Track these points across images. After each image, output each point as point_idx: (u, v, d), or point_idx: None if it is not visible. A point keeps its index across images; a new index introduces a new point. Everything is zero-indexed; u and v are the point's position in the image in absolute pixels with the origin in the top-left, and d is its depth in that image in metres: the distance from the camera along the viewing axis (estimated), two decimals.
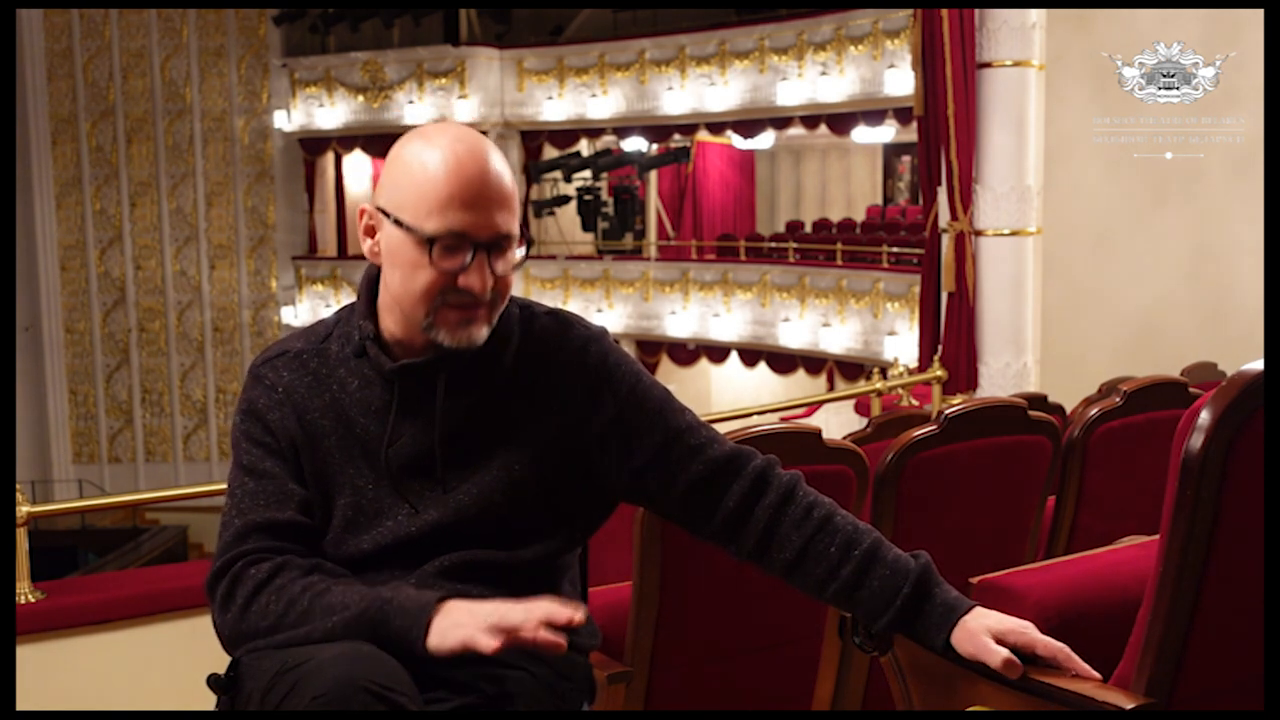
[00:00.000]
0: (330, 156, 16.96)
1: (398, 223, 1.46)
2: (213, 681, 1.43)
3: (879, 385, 6.01)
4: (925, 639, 1.52)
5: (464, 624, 1.34)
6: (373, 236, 1.52)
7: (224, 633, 1.47)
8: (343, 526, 1.52)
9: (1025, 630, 1.49)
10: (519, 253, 1.50)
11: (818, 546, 1.54)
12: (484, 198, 1.44)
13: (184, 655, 3.33)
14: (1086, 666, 1.48)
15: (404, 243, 1.46)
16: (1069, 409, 4.07)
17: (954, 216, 7.00)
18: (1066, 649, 1.48)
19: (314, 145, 16.64)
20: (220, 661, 1.47)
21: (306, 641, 1.38)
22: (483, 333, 1.49)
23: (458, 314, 1.47)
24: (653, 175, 17.24)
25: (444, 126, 1.52)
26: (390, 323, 1.54)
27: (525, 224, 1.56)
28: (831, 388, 13.58)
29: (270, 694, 1.34)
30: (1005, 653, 1.46)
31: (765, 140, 15.65)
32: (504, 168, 1.48)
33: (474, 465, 1.52)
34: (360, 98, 16.22)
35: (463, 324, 1.47)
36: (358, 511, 1.52)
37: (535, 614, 1.32)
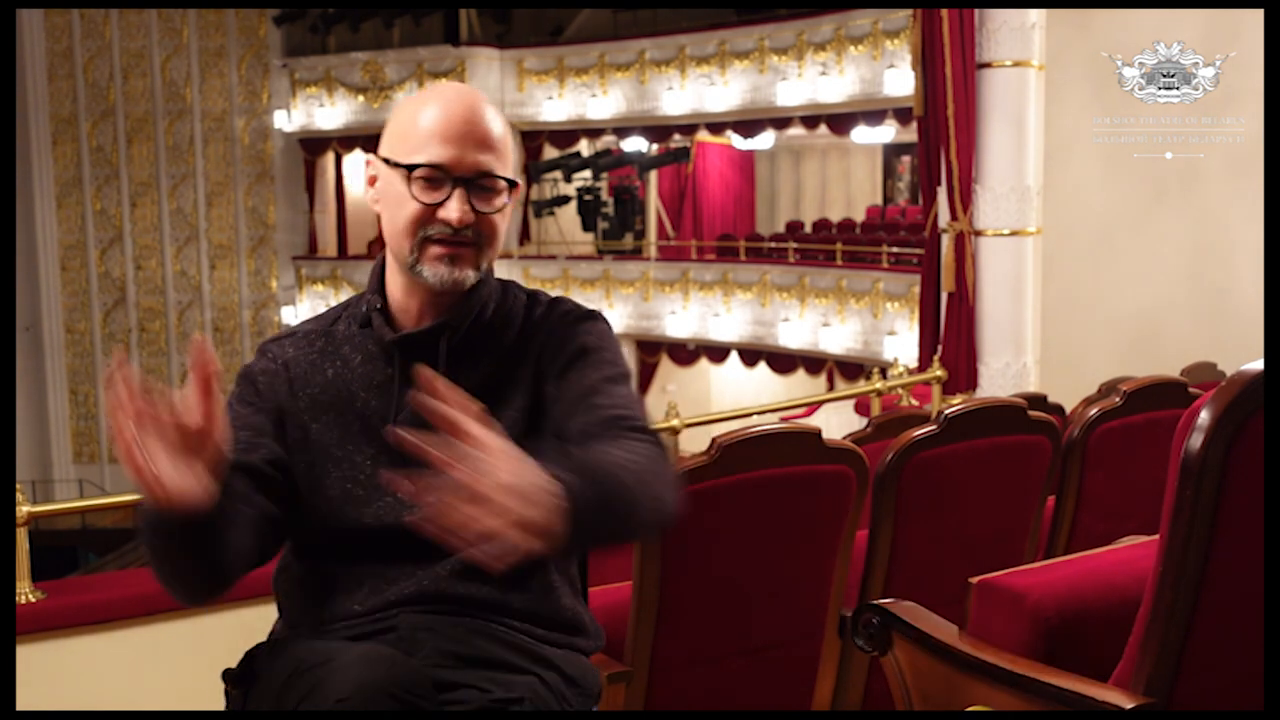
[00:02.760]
0: (330, 156, 16.96)
1: (387, 161, 1.53)
2: (227, 675, 1.44)
3: (879, 385, 6.01)
4: None
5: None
6: (373, 186, 1.57)
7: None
8: (342, 498, 1.52)
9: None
10: (502, 200, 1.52)
11: None
12: (466, 135, 1.49)
13: (184, 655, 3.33)
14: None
15: (392, 180, 1.52)
16: (1069, 409, 4.07)
17: (954, 216, 7.00)
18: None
19: (314, 145, 16.64)
20: (222, 660, 1.47)
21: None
22: (468, 274, 1.52)
23: (439, 248, 1.50)
24: (653, 175, 17.24)
25: (443, 83, 1.58)
26: (394, 290, 1.57)
27: (518, 181, 1.56)
28: (831, 388, 13.58)
29: (288, 693, 1.34)
30: None
31: (765, 140, 15.66)
32: (494, 116, 1.53)
33: None
34: (360, 98, 16.22)
35: (445, 260, 1.50)
36: (355, 485, 1.52)
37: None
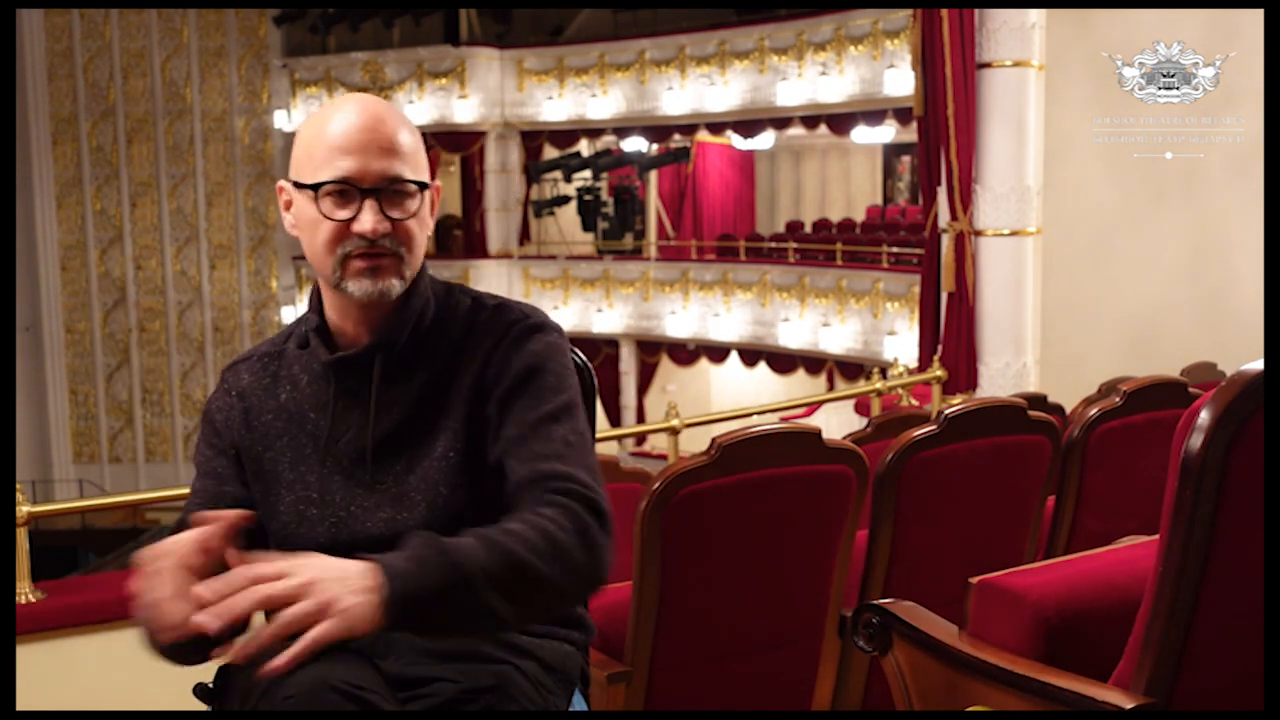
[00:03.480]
0: None
1: (296, 184, 1.51)
2: (199, 691, 1.44)
3: (879, 385, 6.01)
4: None
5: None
6: (289, 211, 1.55)
7: None
8: (296, 521, 1.53)
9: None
10: (418, 203, 1.50)
11: None
12: (368, 144, 1.46)
13: None
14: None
15: (303, 203, 1.50)
16: (1069, 409, 4.07)
17: (954, 216, 7.00)
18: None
19: None
20: (210, 668, 1.47)
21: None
22: (393, 285, 1.49)
23: (360, 262, 1.48)
24: (653, 175, 17.24)
25: (344, 95, 1.57)
26: (331, 311, 1.56)
27: (432, 178, 1.54)
28: (831, 388, 13.58)
29: (248, 698, 1.35)
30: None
31: (765, 140, 15.66)
32: (398, 120, 1.49)
33: (418, 457, 1.51)
34: None
35: (367, 273, 1.48)
36: (309, 505, 1.53)
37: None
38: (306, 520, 1.53)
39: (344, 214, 1.47)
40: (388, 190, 1.48)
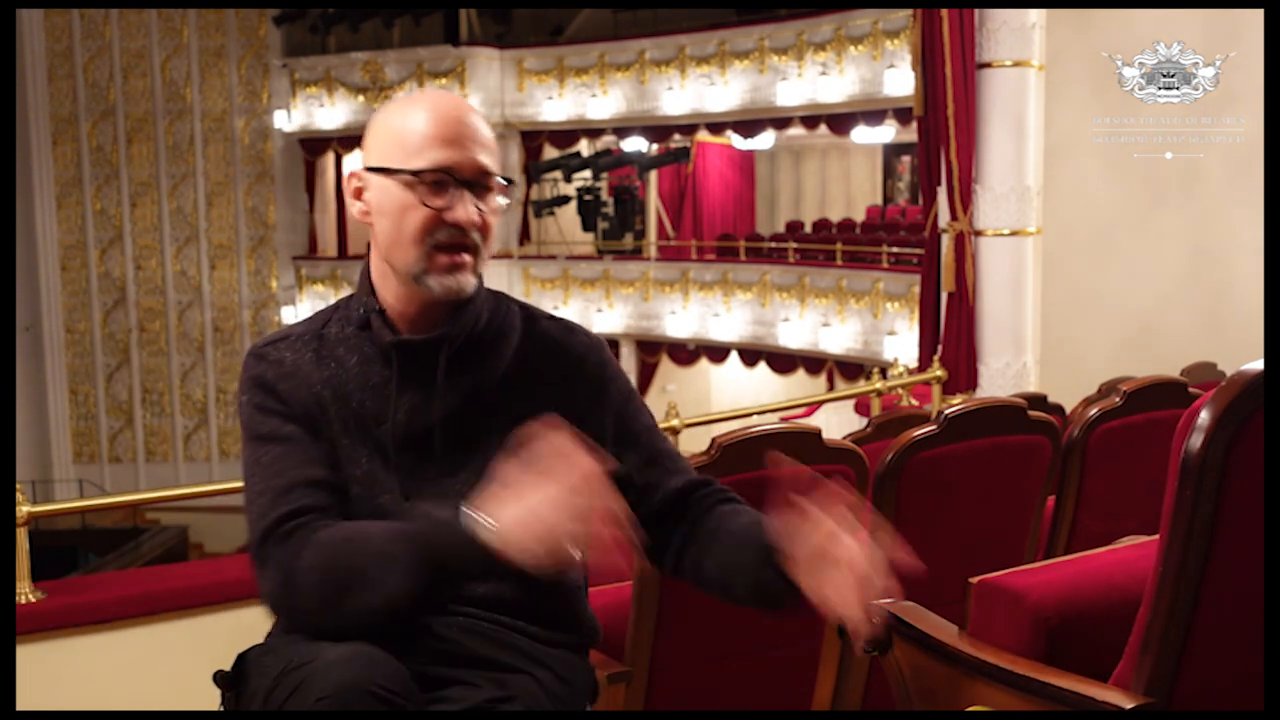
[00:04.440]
0: (330, 156, 16.95)
1: (385, 170, 1.50)
2: (218, 678, 1.44)
3: (879, 385, 6.01)
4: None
5: (527, 522, 1.30)
6: (360, 199, 1.54)
7: (277, 603, 1.42)
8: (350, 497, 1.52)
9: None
10: (501, 200, 1.54)
11: (714, 559, 1.53)
12: (465, 136, 1.49)
13: (184, 655, 3.33)
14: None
15: (391, 189, 1.50)
16: (1069, 409, 4.07)
17: (954, 216, 7.00)
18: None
19: (314, 145, 16.64)
20: (222, 660, 1.47)
21: (366, 589, 1.35)
22: (470, 281, 1.51)
23: (447, 257, 1.49)
24: (653, 175, 17.24)
25: (422, 89, 1.61)
26: (388, 297, 1.55)
27: (507, 180, 1.58)
28: (831, 388, 13.58)
29: (275, 692, 1.34)
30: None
31: (765, 140, 15.65)
32: (480, 117, 1.54)
33: (472, 452, 1.52)
34: (360, 98, 16.22)
35: (451, 269, 1.49)
36: (353, 483, 1.51)
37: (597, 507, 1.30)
38: (351, 500, 1.50)
39: (441, 200, 1.48)
40: (481, 183, 1.50)
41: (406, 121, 1.50)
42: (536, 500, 1.30)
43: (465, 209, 1.48)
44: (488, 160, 1.51)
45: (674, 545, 1.58)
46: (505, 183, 1.53)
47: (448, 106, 1.51)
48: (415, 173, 1.48)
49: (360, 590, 1.35)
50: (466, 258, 1.50)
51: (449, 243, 1.49)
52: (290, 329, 1.61)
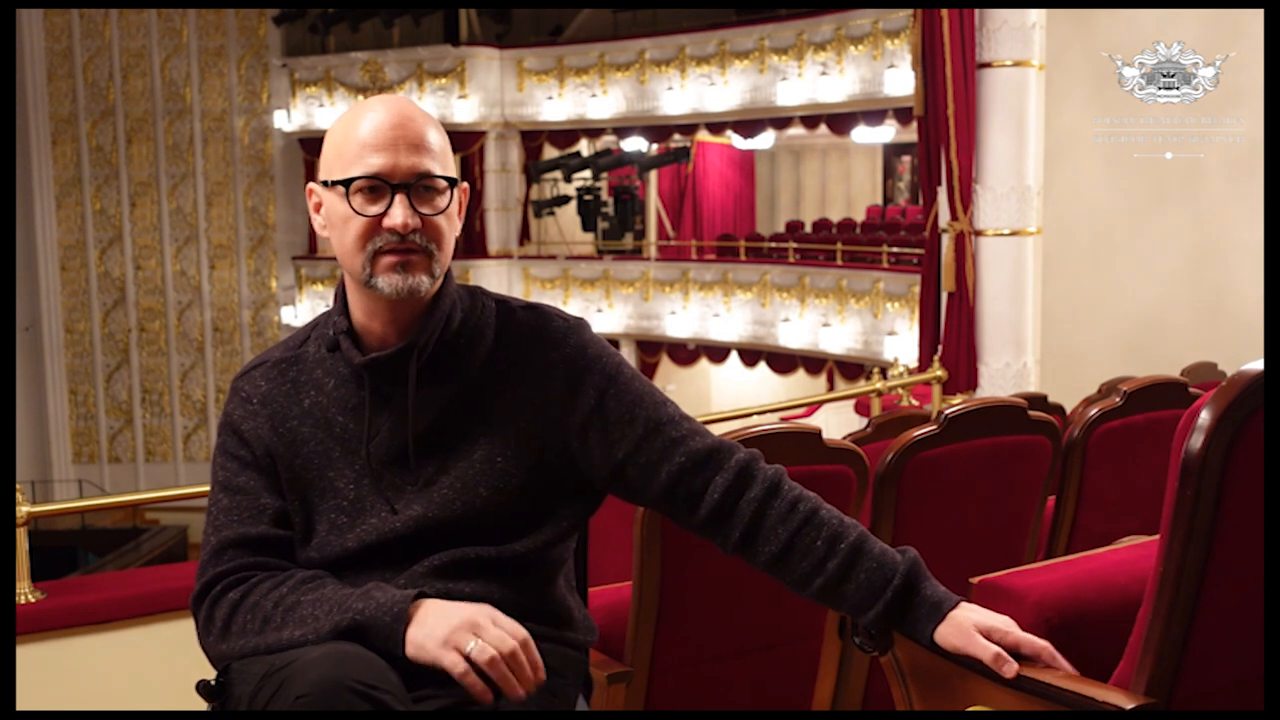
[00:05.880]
0: None
1: (325, 183, 1.52)
2: (202, 688, 1.44)
3: (879, 385, 6.01)
4: (913, 632, 1.53)
5: (435, 634, 1.36)
6: (319, 212, 1.56)
7: (209, 654, 1.51)
8: (327, 529, 1.53)
9: (1010, 628, 1.50)
10: (447, 200, 1.52)
11: (804, 540, 1.54)
12: (397, 140, 1.48)
13: (184, 655, 3.30)
14: (1067, 664, 1.49)
15: (334, 200, 1.51)
16: (1069, 409, 4.07)
17: (954, 216, 7.00)
18: (1050, 647, 1.49)
19: (314, 145, 16.61)
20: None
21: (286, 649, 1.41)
22: (422, 281, 1.50)
23: (390, 258, 1.49)
24: (653, 175, 17.24)
25: (370, 96, 1.61)
26: (357, 311, 1.56)
27: (462, 178, 1.60)
28: (831, 388, 13.58)
29: (257, 696, 1.35)
30: (995, 648, 1.47)
31: (765, 140, 15.65)
32: (425, 119, 1.52)
33: (454, 458, 1.53)
34: (360, 98, 16.18)
35: (397, 269, 1.49)
36: (340, 512, 1.53)
37: (505, 645, 1.36)
38: (338, 528, 1.53)
39: (375, 209, 1.49)
40: (417, 186, 1.50)
41: (346, 132, 1.51)
42: (463, 610, 1.39)
43: (399, 213, 1.48)
44: (425, 162, 1.49)
45: (738, 521, 1.56)
46: (450, 183, 1.52)
47: (384, 113, 1.50)
48: (346, 183, 1.49)
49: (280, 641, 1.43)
50: (412, 258, 1.49)
51: (388, 249, 1.49)
52: (272, 352, 1.63)
